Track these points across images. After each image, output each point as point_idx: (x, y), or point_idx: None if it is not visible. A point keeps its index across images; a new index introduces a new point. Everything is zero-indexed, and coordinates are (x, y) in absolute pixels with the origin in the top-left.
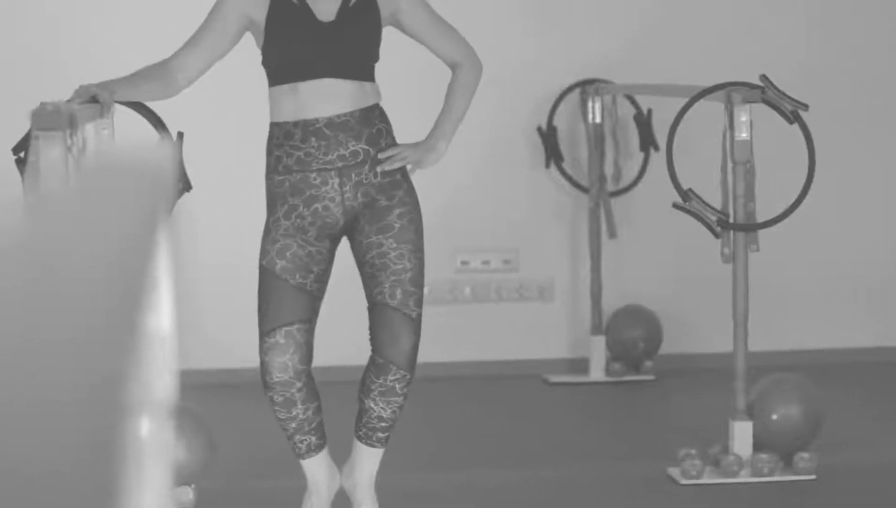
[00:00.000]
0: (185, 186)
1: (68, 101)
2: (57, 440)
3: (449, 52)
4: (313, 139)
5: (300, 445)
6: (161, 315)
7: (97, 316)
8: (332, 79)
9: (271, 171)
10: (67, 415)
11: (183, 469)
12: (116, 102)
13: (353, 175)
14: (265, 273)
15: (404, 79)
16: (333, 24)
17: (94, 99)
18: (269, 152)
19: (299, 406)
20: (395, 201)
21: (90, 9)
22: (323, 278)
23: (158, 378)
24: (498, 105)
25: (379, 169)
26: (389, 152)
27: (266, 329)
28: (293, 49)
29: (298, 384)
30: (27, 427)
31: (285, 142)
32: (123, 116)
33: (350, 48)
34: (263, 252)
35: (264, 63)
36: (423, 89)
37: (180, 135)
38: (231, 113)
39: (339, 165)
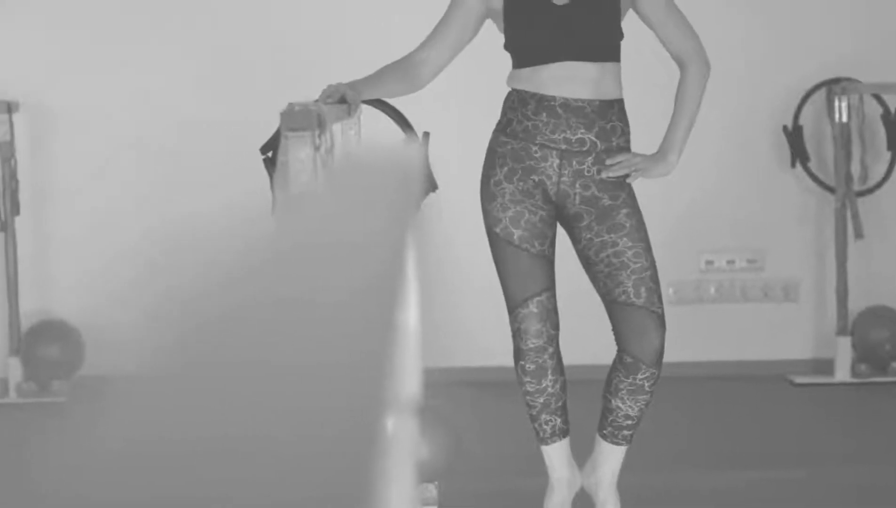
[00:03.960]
0: (432, 186)
1: (316, 101)
2: (321, 438)
3: (679, 46)
4: (544, 114)
5: (545, 426)
6: (409, 313)
7: (352, 315)
8: (573, 62)
9: (500, 130)
10: (328, 413)
11: (427, 466)
12: (362, 101)
13: (574, 162)
14: (501, 242)
15: (642, 74)
16: (569, 6)
17: (342, 99)
18: (504, 112)
19: (549, 377)
20: (620, 202)
21: (333, 8)
22: (554, 241)
23: (406, 376)
24: (743, 104)
25: (604, 174)
26: (619, 158)
27: (518, 300)
28: (531, 34)
29: (550, 350)
30: (290, 427)
31: (519, 107)
32: (369, 116)
33: (587, 30)
34: (494, 220)
35: (506, 47)
36: (657, 84)
37: (426, 135)
38: (476, 113)
39: (563, 147)
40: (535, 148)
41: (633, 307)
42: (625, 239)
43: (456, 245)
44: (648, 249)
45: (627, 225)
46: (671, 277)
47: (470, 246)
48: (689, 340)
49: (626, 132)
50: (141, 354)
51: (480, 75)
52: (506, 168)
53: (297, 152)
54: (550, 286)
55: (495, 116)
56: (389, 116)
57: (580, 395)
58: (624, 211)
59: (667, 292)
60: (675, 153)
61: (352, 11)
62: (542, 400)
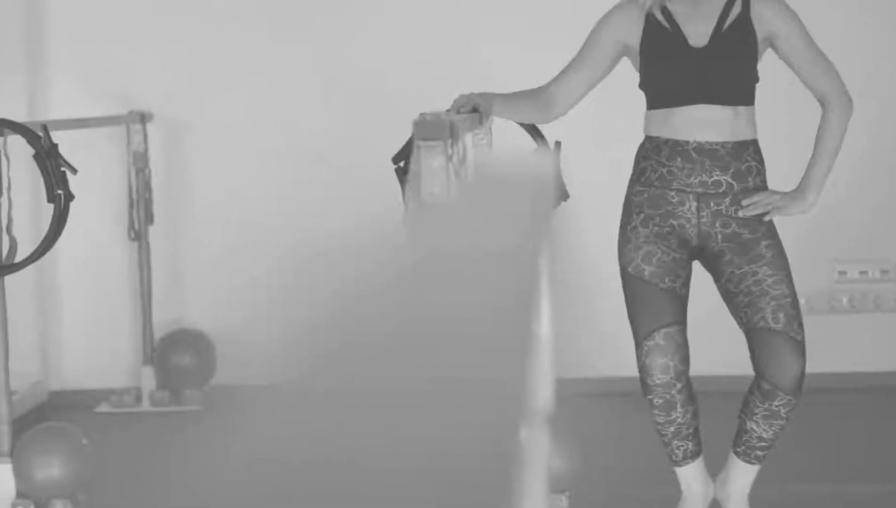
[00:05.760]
0: (563, 195)
1: (448, 110)
2: (461, 442)
3: (820, 84)
4: (679, 159)
5: (677, 451)
6: (542, 322)
7: (491, 329)
8: (707, 105)
9: (634, 180)
10: (469, 420)
11: (558, 476)
12: (493, 115)
13: (711, 203)
14: (633, 280)
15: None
16: (706, 49)
17: (474, 109)
18: (637, 162)
19: (679, 409)
20: (760, 235)
21: (466, 22)
22: (688, 285)
23: (539, 387)
24: (875, 113)
25: (741, 214)
26: (755, 198)
27: (644, 332)
28: (666, 76)
29: (679, 386)
30: (429, 443)
31: (653, 155)
32: (500, 125)
33: (724, 74)
34: (627, 259)
35: (641, 87)
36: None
37: (558, 144)
38: (608, 122)
39: (699, 190)
40: (671, 193)
41: (771, 333)
42: (765, 268)
43: (587, 254)
44: (789, 278)
45: (768, 255)
46: (803, 288)
47: (600, 256)
48: (821, 351)
49: (761, 172)
50: (276, 366)
51: (614, 84)
52: (642, 215)
53: (430, 162)
54: (680, 321)
55: (627, 126)
56: (521, 125)
57: (713, 406)
58: (764, 243)
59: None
60: (813, 192)
61: (483, 25)
62: (672, 429)
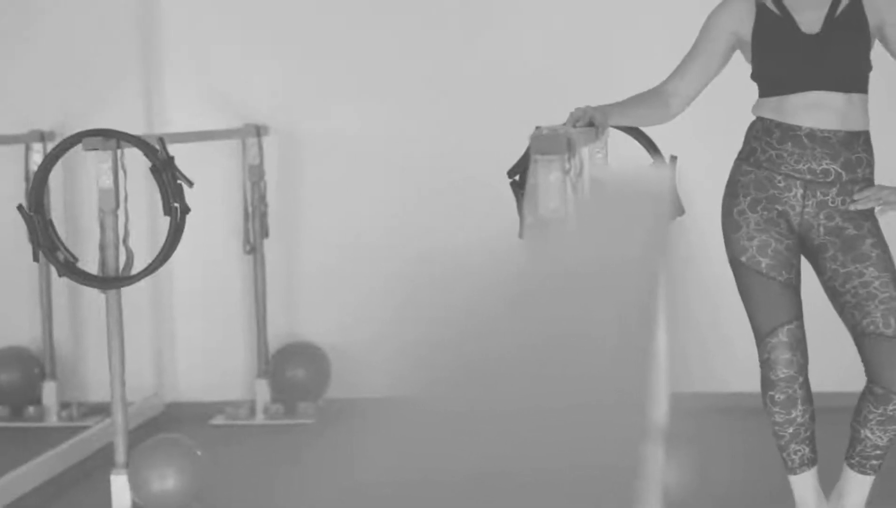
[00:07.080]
0: (679, 210)
1: (564, 124)
2: (584, 455)
3: None
4: (790, 144)
5: (794, 456)
6: (659, 336)
7: (610, 337)
8: (820, 91)
9: (742, 158)
10: (592, 434)
11: (671, 492)
12: (610, 126)
13: (818, 192)
14: (748, 271)
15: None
16: (819, 36)
17: (590, 122)
18: (747, 141)
19: (799, 407)
20: (865, 231)
21: (578, 37)
22: (800, 271)
23: (657, 399)
24: None
25: (851, 207)
26: (867, 192)
27: (767, 330)
28: (779, 64)
29: (801, 380)
30: (553, 460)
31: (763, 136)
32: (616, 139)
33: (837, 61)
34: (740, 248)
35: (753, 77)
36: None
37: (673, 158)
38: (721, 136)
39: (807, 177)
40: (779, 178)
41: (882, 338)
42: (871, 269)
43: (701, 270)
44: (895, 279)
45: (873, 255)
46: None
47: (714, 270)
48: None
49: (871, 164)
50: (390, 381)
51: (726, 97)
52: (749, 198)
53: (547, 176)
54: (799, 316)
55: (740, 138)
56: (636, 139)
57: (825, 422)
58: (869, 241)
59: None
60: None
61: (599, 34)
62: (790, 430)
